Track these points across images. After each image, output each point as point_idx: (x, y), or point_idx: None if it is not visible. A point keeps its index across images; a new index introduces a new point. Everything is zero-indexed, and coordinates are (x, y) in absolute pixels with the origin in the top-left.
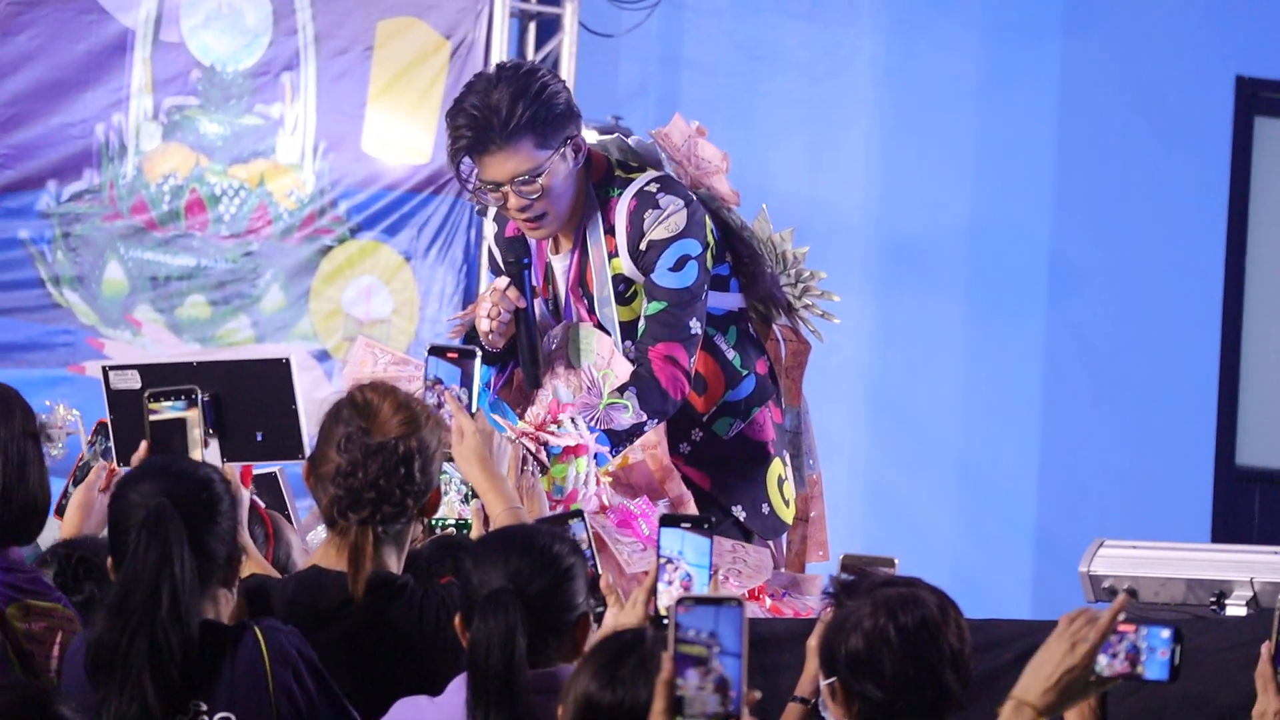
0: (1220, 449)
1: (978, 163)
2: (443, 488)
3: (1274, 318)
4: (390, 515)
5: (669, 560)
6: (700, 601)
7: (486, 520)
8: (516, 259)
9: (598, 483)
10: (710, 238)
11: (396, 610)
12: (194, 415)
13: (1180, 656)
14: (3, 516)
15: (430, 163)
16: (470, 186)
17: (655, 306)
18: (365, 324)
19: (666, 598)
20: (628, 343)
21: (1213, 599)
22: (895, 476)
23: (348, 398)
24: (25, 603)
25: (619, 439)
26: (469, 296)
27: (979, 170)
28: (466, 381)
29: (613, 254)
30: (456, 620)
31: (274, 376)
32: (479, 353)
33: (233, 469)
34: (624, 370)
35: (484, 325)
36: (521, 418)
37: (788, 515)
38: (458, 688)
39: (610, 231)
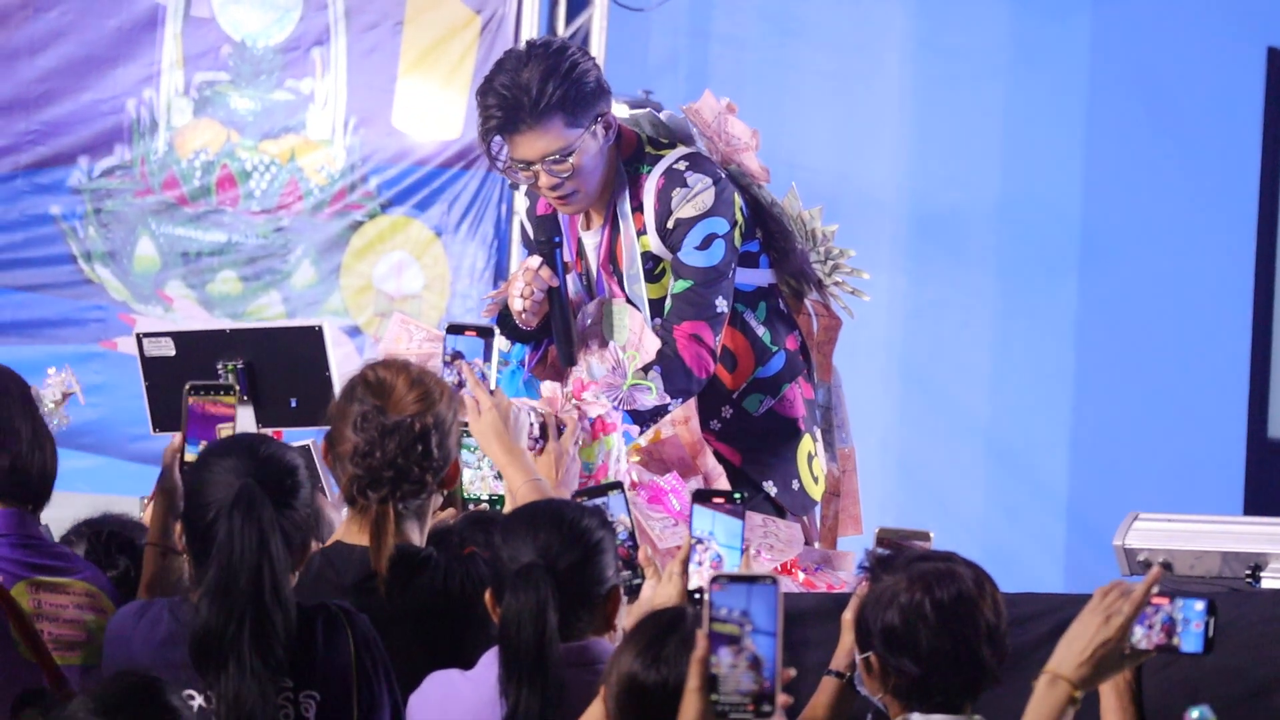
0: (1252, 421)
1: (1008, 137)
2: (476, 464)
3: None
4: (410, 492)
5: (699, 540)
6: (735, 580)
7: None
8: (548, 238)
9: (627, 460)
10: (739, 215)
11: (421, 583)
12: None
13: (1214, 629)
14: (22, 484)
15: (460, 138)
16: (501, 165)
17: (682, 285)
18: (396, 299)
19: (697, 578)
20: (656, 320)
21: (1248, 571)
22: (926, 452)
23: (360, 376)
24: (36, 579)
25: (642, 419)
26: (500, 272)
27: (1009, 144)
28: (485, 358)
29: (641, 231)
30: (487, 596)
31: (308, 343)
32: (497, 330)
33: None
34: (652, 348)
35: (517, 304)
36: None
37: (816, 492)
38: (489, 662)
39: (639, 209)
